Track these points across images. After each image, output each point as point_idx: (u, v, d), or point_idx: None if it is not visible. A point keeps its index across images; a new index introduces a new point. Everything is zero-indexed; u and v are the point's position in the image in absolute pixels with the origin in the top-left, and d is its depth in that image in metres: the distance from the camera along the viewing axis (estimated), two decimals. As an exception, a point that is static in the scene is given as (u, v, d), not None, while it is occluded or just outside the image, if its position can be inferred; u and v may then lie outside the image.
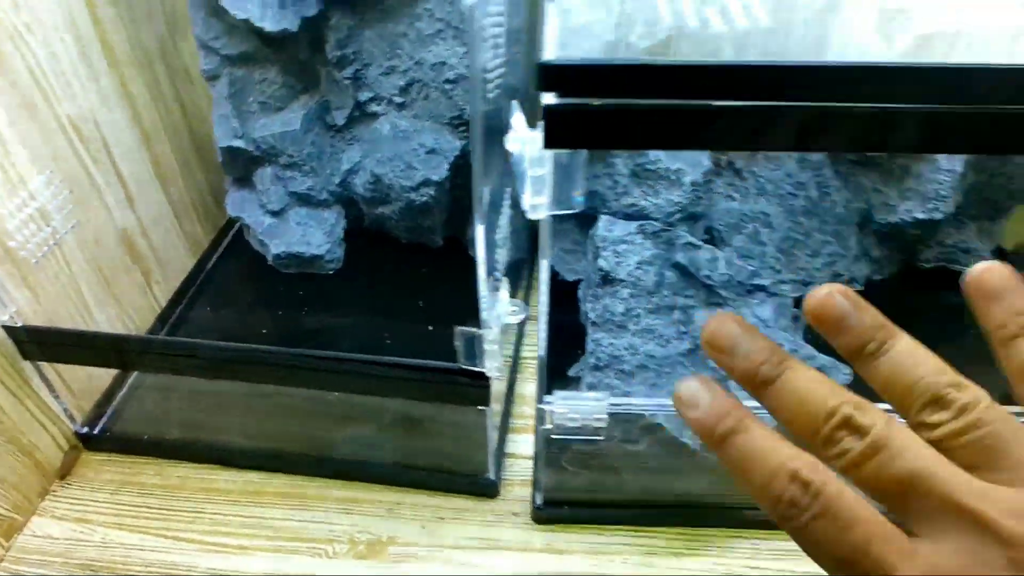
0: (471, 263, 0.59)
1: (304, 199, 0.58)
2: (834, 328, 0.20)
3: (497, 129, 0.32)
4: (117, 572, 0.43)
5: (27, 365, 0.44)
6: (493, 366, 0.37)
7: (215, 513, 0.46)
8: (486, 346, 0.36)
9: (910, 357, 0.19)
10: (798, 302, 0.51)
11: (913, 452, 0.17)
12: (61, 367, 0.47)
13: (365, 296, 0.58)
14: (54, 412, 0.47)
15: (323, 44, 0.53)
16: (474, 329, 0.37)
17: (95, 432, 0.50)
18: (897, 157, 0.52)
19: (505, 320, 0.38)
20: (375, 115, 0.56)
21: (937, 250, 0.58)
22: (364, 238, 0.61)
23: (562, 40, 0.28)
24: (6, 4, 0.41)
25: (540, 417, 0.38)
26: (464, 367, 0.38)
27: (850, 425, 0.18)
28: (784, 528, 0.18)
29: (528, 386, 0.53)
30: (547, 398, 0.37)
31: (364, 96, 0.55)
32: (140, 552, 0.44)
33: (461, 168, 0.55)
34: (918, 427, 0.18)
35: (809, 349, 0.45)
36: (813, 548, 0.18)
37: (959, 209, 0.56)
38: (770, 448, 0.18)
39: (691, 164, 0.52)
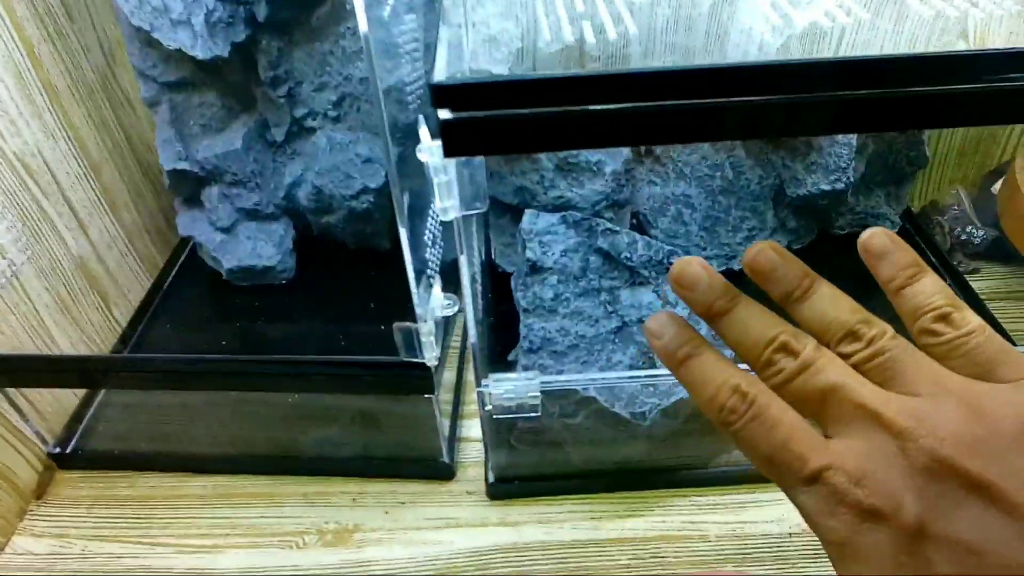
0: (415, 263, 0.62)
1: (252, 214, 0.61)
2: (766, 278, 0.23)
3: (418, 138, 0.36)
4: (98, 580, 0.46)
5: (-5, 392, 0.47)
6: (431, 356, 0.41)
7: (188, 517, 0.49)
8: (423, 338, 0.40)
9: (830, 300, 0.23)
10: (727, 273, 0.55)
11: (833, 369, 0.21)
12: (29, 392, 0.49)
13: (319, 302, 0.61)
14: (25, 435, 0.50)
15: (256, 66, 0.56)
16: (410, 324, 0.40)
17: (67, 452, 0.52)
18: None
19: (440, 313, 0.41)
20: (312, 130, 0.59)
21: (849, 217, 0.62)
22: (314, 247, 0.64)
23: (472, 52, 0.31)
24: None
25: (481, 400, 0.41)
26: (405, 359, 0.41)
27: (785, 349, 0.21)
28: (725, 432, 0.22)
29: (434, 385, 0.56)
30: (484, 382, 0.41)
31: (300, 112, 0.58)
32: (120, 560, 0.47)
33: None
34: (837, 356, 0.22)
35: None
36: (747, 447, 0.21)
37: (866, 178, 0.61)
38: (719, 368, 0.22)
39: (611, 155, 0.55)
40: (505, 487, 0.48)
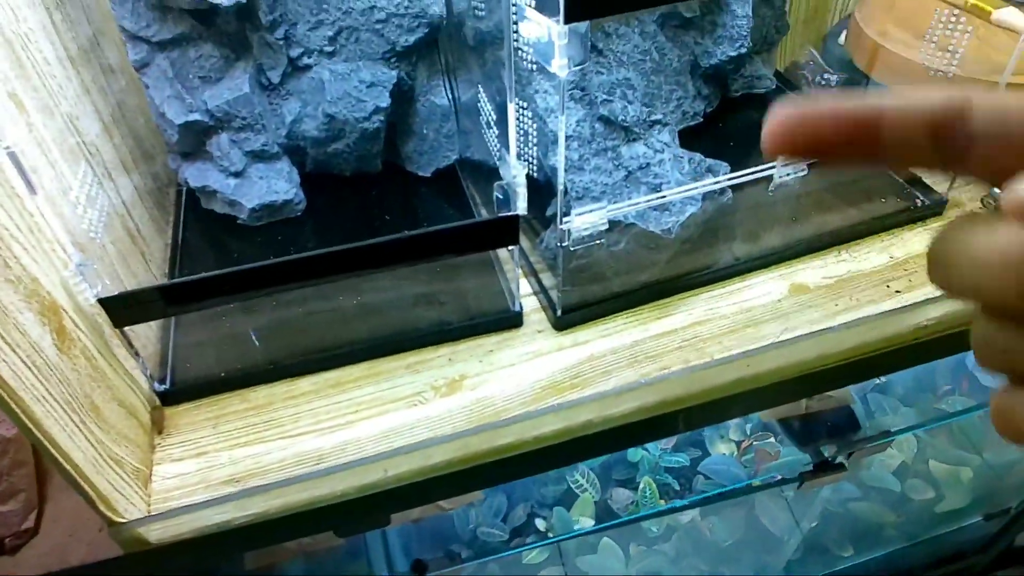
0: (411, 176, 0.71)
1: (259, 155, 0.66)
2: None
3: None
4: (259, 476, 0.51)
5: (110, 336, 0.50)
6: (522, 206, 0.51)
7: (313, 409, 0.55)
8: (517, 189, 0.50)
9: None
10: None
11: None
12: (131, 334, 0.52)
13: (337, 226, 0.68)
14: (134, 377, 0.53)
15: (251, 13, 0.61)
16: (503, 182, 0.50)
17: (169, 387, 0.56)
18: (707, 15, 0.72)
19: (521, 172, 0.51)
20: (307, 67, 0.65)
21: (741, 81, 0.80)
22: (312, 181, 0.70)
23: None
24: (5, 10, 0.45)
25: (562, 236, 0.52)
26: (502, 216, 0.51)
27: None
28: None
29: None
30: (567, 219, 0.52)
31: (295, 52, 0.64)
32: (268, 455, 0.53)
33: (395, 95, 0.65)
34: None
35: (698, 155, 0.64)
36: None
37: (750, 46, 0.78)
38: None
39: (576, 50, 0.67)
40: (569, 317, 0.59)
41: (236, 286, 0.51)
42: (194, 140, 0.64)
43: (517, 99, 0.57)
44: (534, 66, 0.55)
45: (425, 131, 0.69)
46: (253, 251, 0.66)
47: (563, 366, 0.57)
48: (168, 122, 0.62)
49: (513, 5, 0.45)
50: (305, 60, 0.64)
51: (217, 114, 0.62)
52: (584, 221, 0.52)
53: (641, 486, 0.98)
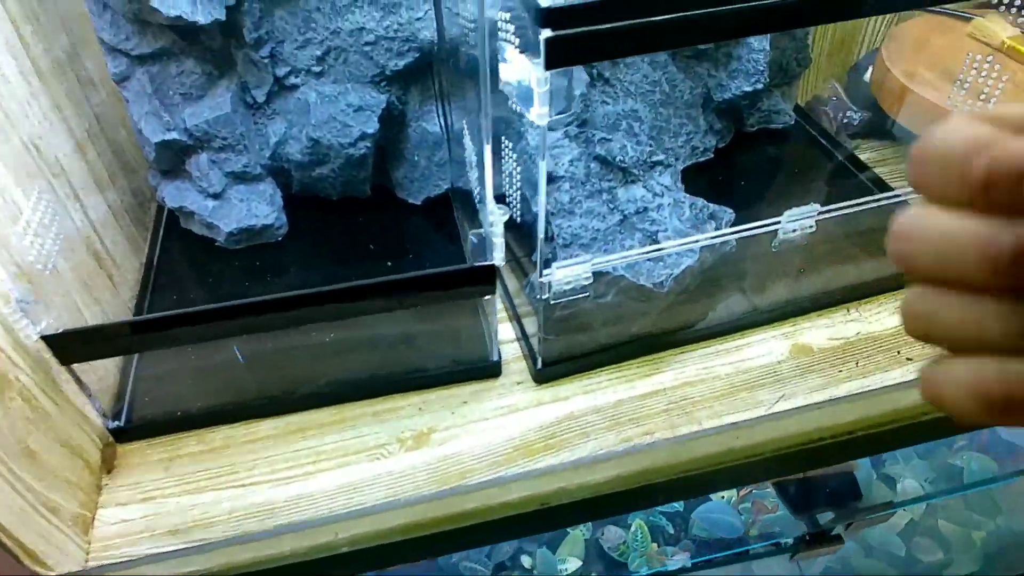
0: (401, 204, 0.68)
1: (240, 177, 0.63)
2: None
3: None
4: (206, 527, 0.48)
5: (57, 372, 0.47)
6: (500, 257, 0.47)
7: (270, 455, 0.52)
8: (495, 240, 0.46)
9: None
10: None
11: None
12: (81, 370, 0.50)
13: (319, 252, 0.65)
14: (85, 414, 0.50)
15: (236, 29, 0.57)
16: (482, 230, 0.46)
17: (123, 424, 0.53)
18: (722, 47, 0.67)
19: (500, 220, 0.48)
20: (294, 87, 0.61)
21: (757, 115, 0.75)
22: (297, 203, 0.67)
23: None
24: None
25: (540, 289, 0.49)
26: (477, 265, 0.47)
27: None
28: None
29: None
30: (546, 271, 0.48)
31: (281, 71, 0.60)
32: (219, 505, 0.50)
33: (385, 120, 0.62)
34: None
35: (701, 200, 0.59)
36: None
37: (767, 80, 0.73)
38: None
39: (577, 80, 0.63)
40: (550, 370, 0.56)
41: (189, 327, 0.48)
42: (173, 158, 0.62)
43: (504, 137, 0.53)
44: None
45: (416, 158, 0.65)
46: (231, 276, 0.63)
47: (539, 424, 0.53)
48: (145, 139, 0.59)
49: (498, 39, 0.41)
50: (292, 79, 0.61)
51: (196, 133, 0.59)
52: (566, 274, 0.48)
53: (633, 528, 0.94)
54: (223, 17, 0.54)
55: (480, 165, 0.43)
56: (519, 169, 0.53)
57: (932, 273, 0.18)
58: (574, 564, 0.94)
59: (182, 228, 0.66)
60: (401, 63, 0.59)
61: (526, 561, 0.96)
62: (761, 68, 0.66)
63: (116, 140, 0.63)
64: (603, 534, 1.00)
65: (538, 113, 0.39)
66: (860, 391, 0.54)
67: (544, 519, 0.51)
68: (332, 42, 0.59)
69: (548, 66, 0.37)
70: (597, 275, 0.52)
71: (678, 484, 0.52)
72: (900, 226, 0.18)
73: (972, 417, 0.17)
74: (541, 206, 0.44)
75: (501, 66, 0.39)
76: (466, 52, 0.52)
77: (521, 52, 0.38)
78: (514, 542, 0.96)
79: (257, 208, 0.63)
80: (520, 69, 0.38)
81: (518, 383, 0.56)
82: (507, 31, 0.38)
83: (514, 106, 0.51)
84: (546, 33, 0.36)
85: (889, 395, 0.53)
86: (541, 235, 0.46)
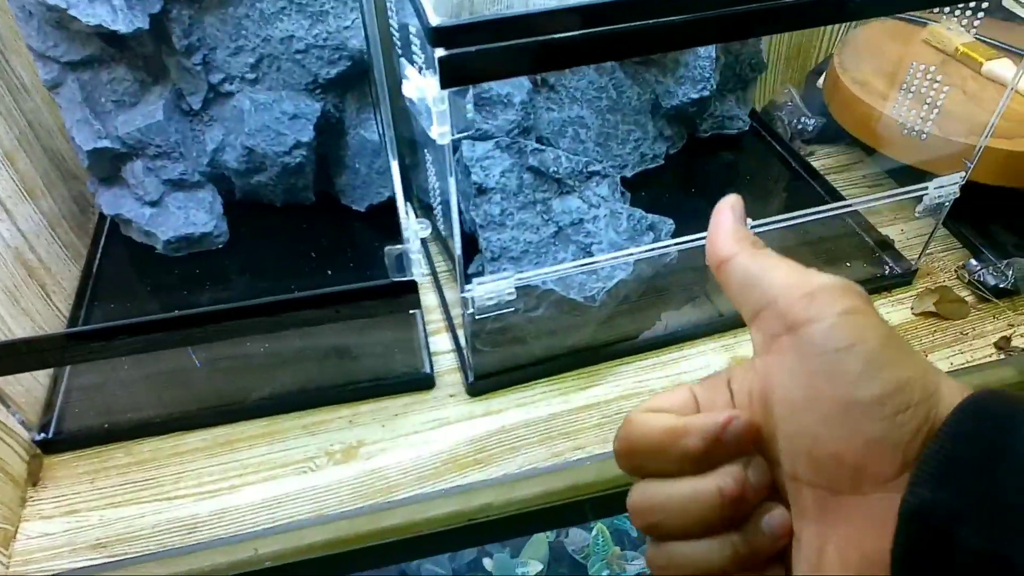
0: (345, 211, 0.67)
1: (178, 184, 0.62)
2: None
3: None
4: (128, 542, 0.48)
5: (-24, 387, 0.47)
6: (419, 272, 0.47)
7: (197, 469, 0.52)
8: (412, 256, 0.45)
9: None
10: (622, 181, 0.64)
11: None
12: (5, 382, 0.49)
13: (259, 261, 0.64)
14: (9, 427, 0.50)
15: (167, 36, 0.57)
16: (400, 246, 0.46)
17: (51, 436, 0.53)
18: (669, 53, 0.67)
19: (419, 235, 0.47)
20: (230, 94, 0.61)
21: (711, 121, 0.74)
22: (240, 210, 0.66)
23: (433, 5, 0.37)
24: None
25: (464, 304, 0.48)
26: (396, 280, 0.47)
27: None
28: None
29: (430, 296, 0.62)
30: (467, 287, 0.47)
31: (216, 78, 0.60)
32: (142, 519, 0.49)
33: (323, 127, 0.61)
34: None
35: (639, 211, 0.59)
36: None
37: (720, 86, 0.72)
38: None
39: (517, 87, 0.62)
40: (483, 383, 0.55)
41: (115, 340, 0.47)
42: (108, 166, 0.61)
43: (426, 150, 0.52)
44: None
45: (357, 165, 0.65)
46: (170, 285, 0.62)
47: (469, 437, 0.53)
48: (78, 147, 0.59)
49: (397, 55, 0.41)
50: (227, 86, 0.60)
51: (129, 141, 0.59)
52: (487, 290, 0.48)
53: (594, 532, 0.94)
54: (146, 26, 0.53)
55: (392, 180, 0.43)
56: (438, 184, 0.52)
57: (675, 531, 0.23)
58: (535, 567, 0.94)
59: (123, 235, 0.65)
60: (333, 71, 0.58)
61: (487, 564, 0.96)
62: (707, 75, 0.66)
63: (52, 147, 0.63)
64: (567, 536, 1.00)
65: (439, 132, 0.38)
66: (793, 405, 0.53)
67: (471, 535, 0.51)
68: (264, 49, 0.58)
69: (444, 85, 0.36)
70: (526, 289, 0.51)
71: (606, 500, 0.51)
72: (637, 505, 0.24)
73: None
74: (454, 222, 0.44)
75: (403, 83, 0.39)
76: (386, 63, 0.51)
77: (419, 70, 0.38)
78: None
79: (195, 216, 0.62)
80: (418, 87, 0.37)
81: (451, 396, 0.56)
82: (405, 48, 0.38)
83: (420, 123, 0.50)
84: (440, 52, 0.35)
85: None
86: (458, 251, 0.45)
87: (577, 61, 0.47)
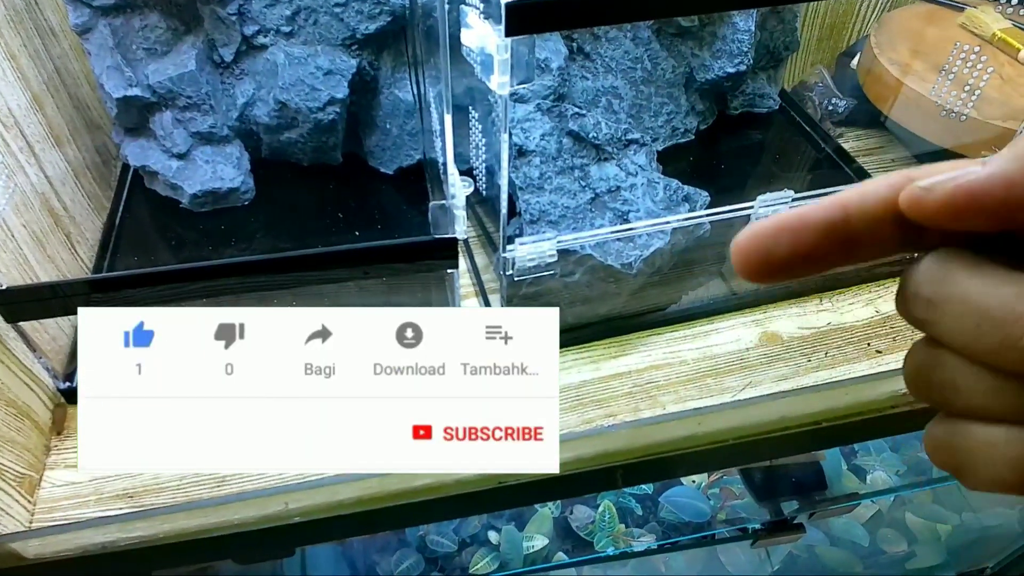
0: (373, 173, 0.66)
1: (207, 138, 0.61)
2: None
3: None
4: (156, 493, 0.48)
5: (5, 330, 0.46)
6: (462, 229, 0.46)
7: (224, 423, 0.51)
8: (456, 212, 0.45)
9: None
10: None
11: None
12: (32, 328, 0.48)
13: (286, 219, 0.63)
14: (34, 373, 0.49)
15: (203, -16, 0.56)
16: (443, 201, 0.45)
17: (75, 385, 0.52)
18: (707, 26, 0.66)
19: (463, 192, 0.46)
20: (263, 47, 0.59)
21: (741, 98, 0.73)
22: (266, 168, 0.65)
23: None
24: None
25: (504, 264, 0.48)
26: (439, 236, 0.46)
27: None
28: None
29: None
30: (509, 247, 0.47)
31: (250, 30, 0.58)
32: (169, 470, 0.49)
33: (356, 85, 0.60)
34: None
35: (675, 182, 0.58)
36: None
37: (752, 63, 0.72)
38: None
39: (555, 53, 0.61)
40: (515, 348, 0.55)
41: (143, 288, 0.46)
42: (136, 116, 0.60)
43: (471, 107, 0.52)
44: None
45: (388, 126, 0.64)
46: (193, 239, 0.61)
47: (500, 402, 0.53)
48: (107, 94, 0.58)
49: (460, 3, 0.40)
50: (261, 39, 0.59)
51: (159, 90, 0.58)
52: (529, 251, 0.47)
53: (600, 509, 0.94)
54: (188, -31, 0.52)
55: (442, 135, 0.42)
56: (484, 141, 0.52)
57: (956, 343, 0.17)
58: (541, 542, 0.94)
59: (147, 188, 0.64)
60: (372, 27, 0.57)
61: (493, 537, 0.96)
62: (745, 49, 0.65)
63: (78, 95, 0.61)
64: (572, 513, 1.00)
65: (499, 82, 0.37)
66: (828, 381, 0.53)
67: (501, 497, 0.51)
68: (302, 1, 0.57)
69: (508, 33, 0.35)
70: (564, 253, 0.51)
71: (636, 468, 0.51)
72: (916, 284, 0.17)
73: (1009, 489, 0.16)
74: (504, 179, 0.43)
75: (463, 32, 0.38)
76: (434, 17, 0.51)
77: (482, 18, 0.37)
78: (482, 517, 0.96)
79: (223, 170, 0.61)
80: (481, 35, 0.37)
81: (481, 360, 0.55)
82: (469, -6, 0.37)
83: (478, 75, 0.49)
84: (508, -2, 0.34)
85: (856, 387, 0.53)
86: (504, 210, 0.45)
87: (646, 14, 0.46)
